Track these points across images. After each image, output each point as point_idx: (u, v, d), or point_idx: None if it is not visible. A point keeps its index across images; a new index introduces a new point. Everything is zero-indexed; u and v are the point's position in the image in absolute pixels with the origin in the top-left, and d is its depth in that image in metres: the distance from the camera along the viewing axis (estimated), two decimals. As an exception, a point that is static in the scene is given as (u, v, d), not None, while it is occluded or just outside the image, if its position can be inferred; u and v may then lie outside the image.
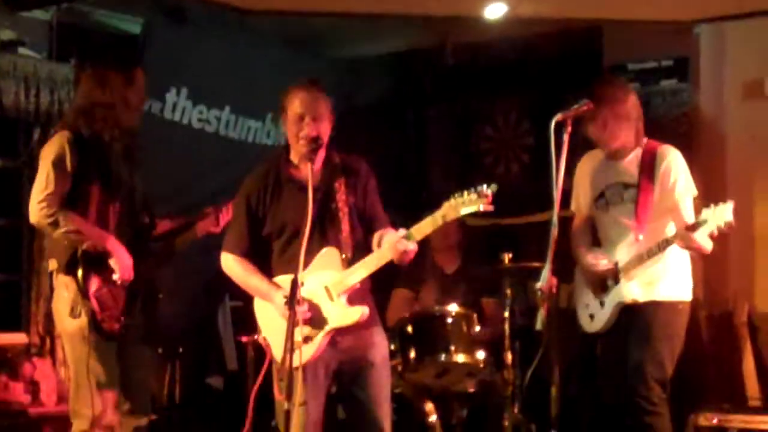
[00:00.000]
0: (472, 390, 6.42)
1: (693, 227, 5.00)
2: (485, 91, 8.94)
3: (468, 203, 4.45)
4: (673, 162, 5.33)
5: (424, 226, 4.56)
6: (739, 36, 7.42)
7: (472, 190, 4.45)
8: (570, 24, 7.74)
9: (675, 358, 5.32)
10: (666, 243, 5.16)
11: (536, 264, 5.26)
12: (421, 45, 8.83)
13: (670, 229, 5.30)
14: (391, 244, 4.57)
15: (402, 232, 4.58)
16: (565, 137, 4.65)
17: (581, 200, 5.62)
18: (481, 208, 4.43)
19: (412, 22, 7.88)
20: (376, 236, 4.79)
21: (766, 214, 7.05)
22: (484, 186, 4.43)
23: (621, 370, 5.35)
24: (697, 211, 5.15)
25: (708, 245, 5.01)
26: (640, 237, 5.26)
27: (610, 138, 5.35)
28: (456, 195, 4.50)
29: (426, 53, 8.95)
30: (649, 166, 5.33)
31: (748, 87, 7.40)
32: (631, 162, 5.39)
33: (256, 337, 4.95)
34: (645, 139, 5.43)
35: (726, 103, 7.53)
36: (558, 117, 4.69)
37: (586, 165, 5.60)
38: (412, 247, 4.55)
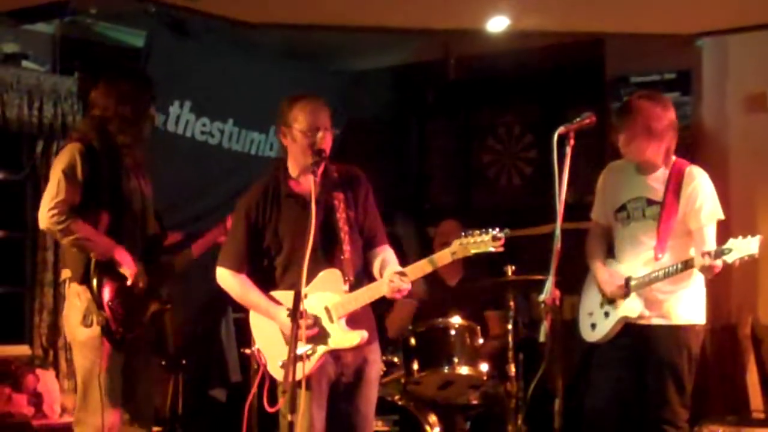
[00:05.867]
0: (475, 402, 6.42)
1: (716, 255, 4.95)
2: (487, 103, 8.97)
3: (480, 244, 4.54)
4: (701, 184, 5.26)
5: (424, 266, 4.66)
6: (742, 49, 7.42)
7: (484, 231, 4.53)
8: (572, 37, 7.75)
9: (693, 379, 5.31)
10: (685, 266, 5.10)
11: (539, 276, 5.25)
12: (423, 58, 8.86)
13: (691, 251, 5.23)
14: (385, 281, 4.65)
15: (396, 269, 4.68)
16: (568, 150, 4.63)
17: (601, 209, 5.54)
18: (492, 250, 4.51)
19: (415, 36, 7.90)
20: (377, 260, 4.82)
21: (769, 226, 7.04)
22: (497, 229, 4.51)
23: (611, 383, 5.34)
24: (720, 235, 5.14)
25: (719, 264, 4.96)
26: (660, 256, 5.23)
27: (635, 151, 5.27)
28: (468, 234, 4.57)
29: (428, 66, 8.98)
30: (675, 185, 5.25)
31: (750, 100, 7.41)
32: (658, 178, 5.31)
33: (249, 350, 4.95)
34: (673, 157, 5.38)
35: (728, 116, 7.54)
36: (561, 130, 4.67)
37: (611, 174, 5.54)
38: (406, 286, 4.61)
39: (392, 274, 4.63)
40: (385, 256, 4.83)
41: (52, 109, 7.17)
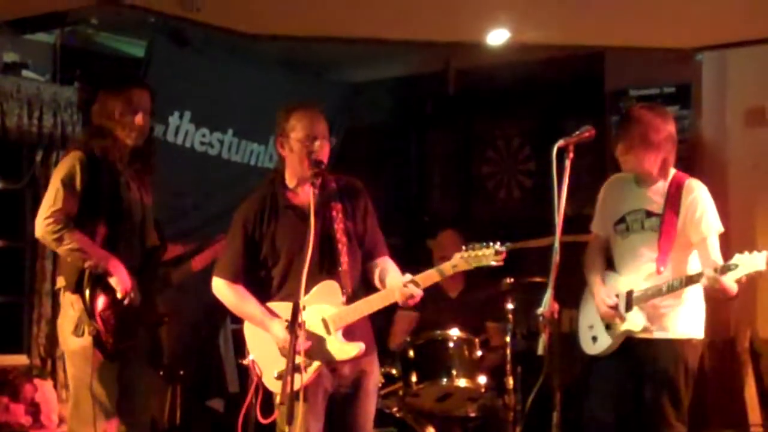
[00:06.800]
0: (473, 414, 6.41)
1: (722, 270, 4.91)
2: (487, 115, 8.97)
3: (481, 258, 4.56)
4: (700, 196, 5.25)
5: (433, 275, 4.65)
6: (741, 63, 7.43)
7: (485, 245, 4.55)
8: (572, 50, 7.76)
9: (691, 393, 5.29)
10: (690, 281, 5.06)
11: (539, 279, 5.25)
12: (424, 70, 8.87)
13: (692, 264, 5.22)
14: (398, 287, 4.61)
15: (408, 276, 4.64)
16: (567, 163, 4.63)
17: (601, 222, 5.53)
18: (494, 264, 4.52)
19: (416, 48, 7.91)
20: (377, 270, 4.80)
21: (768, 240, 7.04)
22: (498, 243, 4.54)
23: (610, 396, 5.33)
24: (720, 248, 5.12)
25: (733, 288, 4.91)
26: (662, 269, 5.21)
27: (632, 161, 5.27)
28: (469, 247, 4.59)
29: (429, 78, 8.99)
30: (674, 197, 5.25)
31: (750, 114, 7.41)
32: (657, 191, 5.31)
33: (243, 361, 4.94)
34: (673, 170, 5.38)
35: (728, 129, 7.54)
36: (560, 143, 4.66)
37: (612, 187, 5.53)
38: (419, 293, 4.60)
39: (405, 282, 4.60)
40: (385, 266, 4.81)
41: (52, 118, 7.17)
